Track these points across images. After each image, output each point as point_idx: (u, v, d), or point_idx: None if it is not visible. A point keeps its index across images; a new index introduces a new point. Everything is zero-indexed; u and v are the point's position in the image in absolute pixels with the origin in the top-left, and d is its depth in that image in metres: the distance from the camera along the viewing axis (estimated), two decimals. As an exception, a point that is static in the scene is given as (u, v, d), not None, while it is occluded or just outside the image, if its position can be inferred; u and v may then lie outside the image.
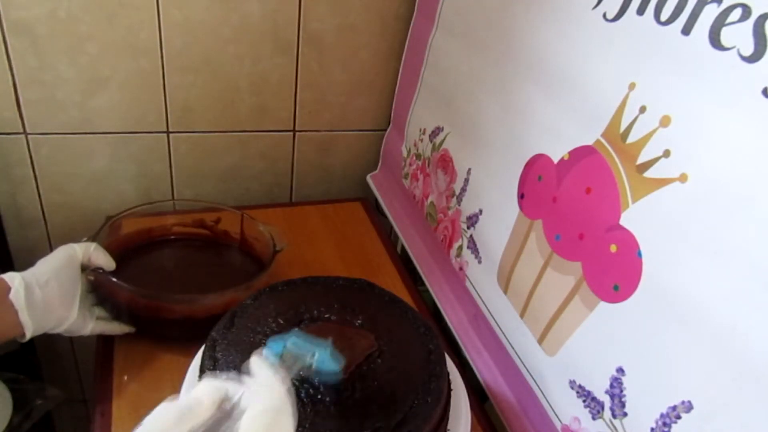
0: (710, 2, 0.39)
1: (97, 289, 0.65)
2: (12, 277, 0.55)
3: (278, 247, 0.72)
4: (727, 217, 0.38)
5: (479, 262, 0.69)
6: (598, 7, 0.50)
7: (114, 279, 0.62)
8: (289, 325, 0.53)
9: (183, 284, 0.72)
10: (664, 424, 0.42)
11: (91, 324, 0.62)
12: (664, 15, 0.43)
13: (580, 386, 0.52)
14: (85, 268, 0.62)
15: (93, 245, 0.63)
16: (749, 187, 0.37)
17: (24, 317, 0.54)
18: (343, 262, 0.86)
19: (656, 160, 0.43)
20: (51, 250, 0.91)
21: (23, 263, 0.90)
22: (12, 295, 0.54)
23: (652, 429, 0.43)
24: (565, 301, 0.53)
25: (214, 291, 0.64)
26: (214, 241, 0.81)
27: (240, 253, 0.80)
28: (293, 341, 0.44)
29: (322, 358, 0.44)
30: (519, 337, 0.61)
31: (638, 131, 0.45)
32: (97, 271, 0.62)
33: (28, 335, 0.55)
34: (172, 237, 0.80)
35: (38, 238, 0.91)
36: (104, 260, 0.63)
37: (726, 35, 0.38)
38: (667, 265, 0.43)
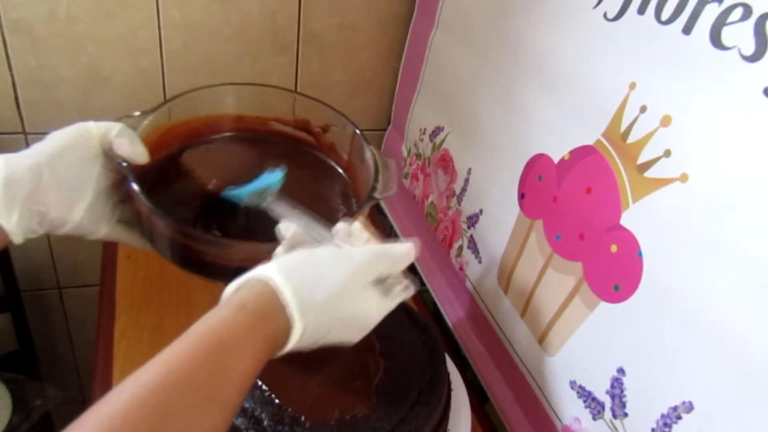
0: (711, 2, 0.39)
1: (121, 185, 0.49)
2: None
3: (378, 193, 0.52)
4: (727, 217, 0.38)
5: (479, 262, 0.69)
6: (598, 7, 0.50)
7: (135, 186, 0.45)
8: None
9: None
10: (665, 424, 0.42)
11: (106, 228, 0.48)
12: (665, 14, 0.43)
13: (580, 386, 0.52)
14: (111, 157, 0.47)
15: (118, 127, 0.46)
16: (749, 187, 0.37)
17: (3, 218, 0.41)
18: (343, 262, 0.85)
19: (657, 159, 0.43)
20: (51, 249, 0.92)
21: (22, 263, 0.90)
22: None
23: (653, 429, 0.43)
24: (565, 301, 0.53)
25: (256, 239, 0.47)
26: (314, 155, 0.62)
27: (342, 181, 0.59)
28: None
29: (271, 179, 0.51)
30: (519, 337, 0.61)
31: (639, 131, 0.45)
32: (120, 163, 0.47)
33: (16, 240, 0.43)
34: (263, 134, 0.60)
35: (37, 238, 0.90)
36: (129, 150, 0.45)
37: (727, 35, 0.38)
38: (667, 265, 0.43)
